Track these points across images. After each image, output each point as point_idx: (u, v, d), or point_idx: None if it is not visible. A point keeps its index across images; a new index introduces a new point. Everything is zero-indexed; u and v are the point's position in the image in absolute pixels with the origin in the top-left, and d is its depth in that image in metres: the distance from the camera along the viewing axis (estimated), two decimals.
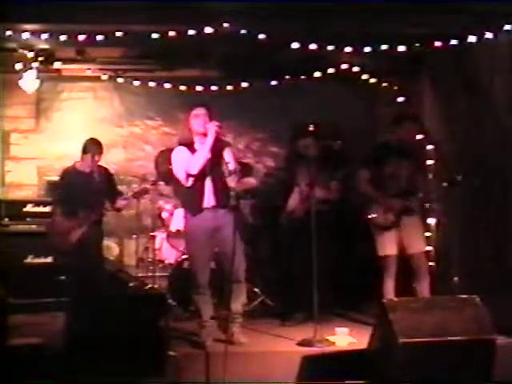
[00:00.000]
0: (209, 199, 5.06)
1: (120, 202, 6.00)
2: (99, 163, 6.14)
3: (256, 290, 6.37)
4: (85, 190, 5.88)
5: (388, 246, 5.47)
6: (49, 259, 6.50)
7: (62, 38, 5.59)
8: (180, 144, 5.23)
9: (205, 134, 5.03)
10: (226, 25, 5.36)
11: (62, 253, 5.96)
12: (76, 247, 5.85)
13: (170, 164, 5.28)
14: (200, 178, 5.04)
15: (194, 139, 5.14)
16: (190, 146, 5.11)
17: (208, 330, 5.10)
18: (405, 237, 5.47)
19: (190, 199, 5.13)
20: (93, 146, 5.99)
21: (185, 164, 5.05)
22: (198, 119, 5.07)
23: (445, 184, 5.47)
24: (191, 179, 5.06)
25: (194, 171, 5.01)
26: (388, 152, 5.59)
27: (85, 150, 5.98)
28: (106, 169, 6.20)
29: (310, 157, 5.95)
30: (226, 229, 5.05)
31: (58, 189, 6.16)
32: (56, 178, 6.44)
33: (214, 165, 5.05)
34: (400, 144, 5.59)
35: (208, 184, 5.06)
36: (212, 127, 4.97)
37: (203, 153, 4.99)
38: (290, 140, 6.91)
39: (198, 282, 5.10)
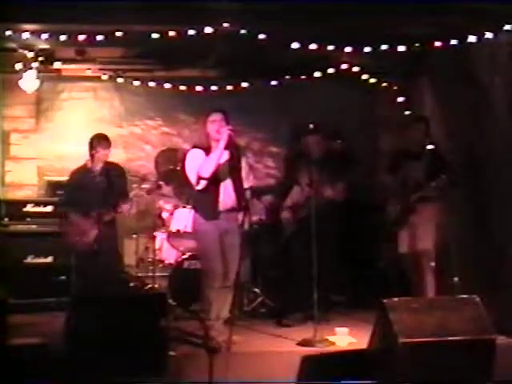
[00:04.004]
0: (225, 202, 5.06)
1: (123, 207, 5.85)
2: (113, 161, 6.09)
3: (256, 290, 6.38)
4: (95, 189, 5.83)
5: (400, 243, 5.66)
6: (49, 259, 6.50)
7: (62, 38, 5.60)
8: (195, 147, 5.19)
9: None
10: (225, 25, 5.37)
11: (80, 253, 5.87)
12: (93, 246, 5.79)
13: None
14: (213, 181, 5.03)
15: (212, 144, 5.10)
16: (207, 151, 5.09)
17: (216, 329, 5.02)
18: (413, 232, 5.52)
19: (205, 203, 5.10)
20: (98, 141, 5.91)
21: (197, 166, 5.04)
22: (215, 125, 5.06)
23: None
24: (202, 182, 5.05)
25: (206, 174, 5.00)
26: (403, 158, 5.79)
27: (91, 146, 5.90)
28: (119, 167, 6.12)
29: (312, 156, 5.96)
30: (233, 233, 5.09)
31: (69, 189, 6.04)
32: (56, 178, 6.41)
33: (232, 168, 5.07)
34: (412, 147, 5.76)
35: (226, 187, 5.06)
36: (225, 131, 4.97)
37: (215, 157, 4.98)
38: (291, 139, 6.90)
39: (214, 278, 5.01)
